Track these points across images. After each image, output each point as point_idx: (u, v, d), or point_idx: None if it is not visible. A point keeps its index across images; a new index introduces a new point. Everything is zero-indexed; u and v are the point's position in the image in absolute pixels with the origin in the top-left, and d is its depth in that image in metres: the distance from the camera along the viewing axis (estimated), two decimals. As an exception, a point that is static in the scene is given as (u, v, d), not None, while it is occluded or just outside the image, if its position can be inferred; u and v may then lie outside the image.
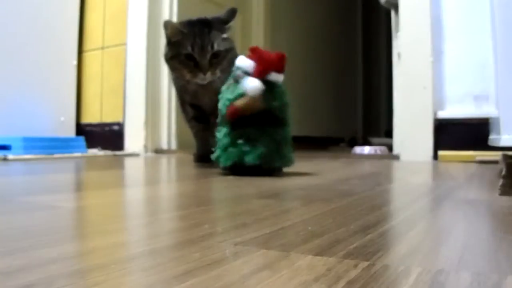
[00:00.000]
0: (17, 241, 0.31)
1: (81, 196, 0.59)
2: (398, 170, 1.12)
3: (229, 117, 0.85)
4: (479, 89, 1.45)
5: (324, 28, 3.37)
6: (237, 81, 0.87)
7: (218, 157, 0.88)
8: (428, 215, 0.45)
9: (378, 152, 1.77)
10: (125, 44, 2.04)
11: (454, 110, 1.49)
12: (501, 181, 0.59)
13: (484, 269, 0.25)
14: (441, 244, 0.31)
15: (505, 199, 0.54)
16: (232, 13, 1.10)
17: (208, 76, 1.04)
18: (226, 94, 0.88)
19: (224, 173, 0.89)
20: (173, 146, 2.02)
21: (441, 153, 1.46)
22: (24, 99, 1.90)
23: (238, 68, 0.88)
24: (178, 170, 1.07)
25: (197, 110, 1.19)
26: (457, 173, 0.96)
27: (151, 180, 0.86)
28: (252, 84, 0.84)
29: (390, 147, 1.77)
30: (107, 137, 2.08)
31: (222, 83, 0.97)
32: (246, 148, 0.84)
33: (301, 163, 1.23)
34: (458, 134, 1.45)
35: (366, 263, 0.26)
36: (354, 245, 0.30)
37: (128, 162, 1.39)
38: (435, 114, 1.49)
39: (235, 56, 0.95)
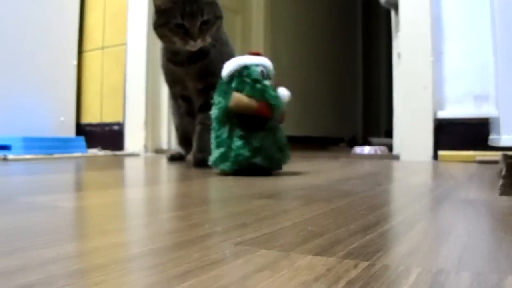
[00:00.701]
0: (17, 241, 0.31)
1: (81, 196, 0.59)
2: (398, 170, 1.12)
3: (262, 113, 0.86)
4: (479, 89, 1.45)
5: (324, 28, 3.37)
6: (268, 77, 0.89)
7: (219, 160, 0.87)
8: (428, 215, 0.45)
9: (378, 152, 1.77)
10: (125, 44, 2.04)
11: (454, 110, 1.49)
12: (501, 181, 0.59)
13: (484, 269, 0.25)
14: (441, 244, 0.31)
15: (505, 199, 0.54)
16: None
17: (199, 42, 1.07)
18: (270, 90, 0.87)
19: (223, 173, 0.89)
20: (173, 146, 2.02)
21: (441, 153, 1.46)
22: (24, 99, 1.90)
23: (265, 67, 0.89)
24: (178, 170, 1.07)
25: (189, 103, 1.21)
26: (457, 173, 0.96)
27: (151, 180, 0.86)
28: (286, 93, 0.90)
29: (390, 147, 1.77)
30: (107, 137, 2.08)
31: (207, 66, 1.05)
32: (251, 149, 0.84)
33: (301, 163, 1.23)
34: (458, 134, 1.45)
35: (366, 263, 0.26)
36: (354, 245, 0.30)
37: (128, 162, 1.39)
38: (435, 114, 1.49)
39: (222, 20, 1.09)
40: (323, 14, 3.36)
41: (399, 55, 1.64)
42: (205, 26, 1.07)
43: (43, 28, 1.96)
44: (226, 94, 0.87)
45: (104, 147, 2.03)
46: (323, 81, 3.31)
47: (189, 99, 1.21)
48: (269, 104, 0.85)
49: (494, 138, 1.02)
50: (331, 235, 0.33)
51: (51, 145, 1.58)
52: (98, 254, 0.28)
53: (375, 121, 3.89)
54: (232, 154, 0.85)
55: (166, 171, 1.07)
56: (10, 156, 1.36)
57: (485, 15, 1.37)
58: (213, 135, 0.90)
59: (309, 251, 0.29)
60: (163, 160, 1.44)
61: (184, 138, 1.34)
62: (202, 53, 1.12)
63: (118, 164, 1.31)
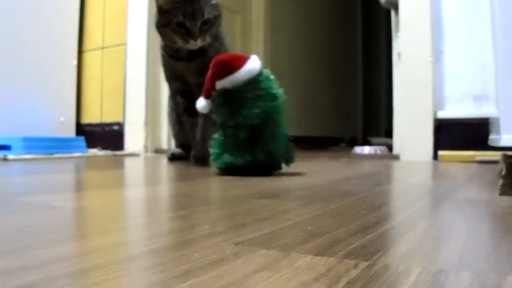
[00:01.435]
0: (17, 241, 0.31)
1: (81, 196, 0.59)
2: (398, 170, 1.12)
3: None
4: (479, 89, 1.45)
5: (324, 28, 3.37)
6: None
7: (220, 157, 0.87)
8: (428, 215, 0.45)
9: (378, 152, 1.77)
10: (125, 44, 2.04)
11: (454, 110, 1.49)
12: (501, 181, 0.59)
13: (484, 269, 0.25)
14: (441, 244, 0.31)
15: (505, 199, 0.54)
16: None
17: (199, 42, 1.10)
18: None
19: (223, 173, 0.89)
20: (173, 146, 2.02)
21: (441, 153, 1.46)
22: (24, 99, 1.90)
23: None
24: (178, 170, 1.07)
25: (188, 100, 1.22)
26: (457, 173, 0.96)
27: (151, 180, 0.86)
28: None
29: (390, 147, 1.77)
30: (107, 137, 2.08)
31: (205, 60, 1.06)
32: (258, 148, 0.85)
33: (301, 163, 1.23)
34: (458, 134, 1.45)
35: (366, 263, 0.26)
36: (354, 245, 0.30)
37: (128, 162, 1.39)
38: (435, 114, 1.49)
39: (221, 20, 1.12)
40: (323, 14, 3.36)
41: (399, 55, 1.64)
42: (206, 26, 1.10)
43: (43, 28, 1.96)
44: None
45: (104, 147, 2.03)
46: (323, 81, 3.31)
47: (189, 95, 1.22)
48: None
49: (494, 138, 1.02)
50: (331, 235, 0.33)
51: (51, 145, 1.58)
52: (98, 254, 0.28)
53: (375, 121, 3.89)
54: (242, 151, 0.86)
55: (166, 171, 1.07)
56: (10, 156, 1.36)
57: (485, 15, 1.37)
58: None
59: (309, 251, 0.29)
60: (163, 160, 1.44)
61: (182, 139, 1.34)
62: (201, 50, 1.14)
63: (118, 164, 1.31)
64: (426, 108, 1.49)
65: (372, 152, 1.78)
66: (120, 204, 0.53)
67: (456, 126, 1.46)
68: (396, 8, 1.66)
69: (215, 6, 1.12)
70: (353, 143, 2.94)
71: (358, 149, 1.85)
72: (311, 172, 0.97)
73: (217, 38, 1.18)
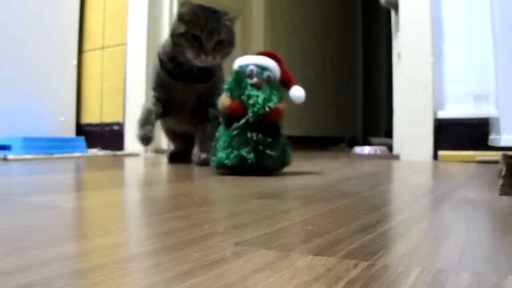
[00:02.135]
0: (17, 241, 0.31)
1: (81, 196, 0.59)
2: (398, 170, 1.12)
3: (274, 119, 0.86)
4: (479, 89, 1.45)
5: (324, 28, 3.37)
6: (269, 82, 0.88)
7: (224, 157, 0.87)
8: (428, 215, 0.45)
9: (378, 152, 1.77)
10: (125, 44, 2.04)
11: (454, 110, 1.49)
12: (501, 181, 0.59)
13: (484, 269, 0.25)
14: (441, 244, 0.31)
15: (505, 199, 0.54)
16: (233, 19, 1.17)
17: (209, 59, 1.10)
18: (266, 95, 0.86)
19: (223, 173, 0.89)
20: (173, 146, 2.02)
21: (441, 153, 1.46)
22: (24, 99, 1.90)
23: (270, 70, 0.89)
24: (178, 170, 1.07)
25: (164, 109, 1.21)
26: (457, 173, 0.96)
27: (151, 180, 0.86)
28: (301, 94, 0.91)
29: (390, 147, 1.77)
30: (107, 137, 2.08)
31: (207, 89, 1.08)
32: (266, 149, 0.85)
33: (301, 163, 1.23)
34: (458, 134, 1.45)
35: (366, 263, 0.26)
36: (354, 245, 0.30)
37: (128, 162, 1.39)
38: (435, 114, 1.49)
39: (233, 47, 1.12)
40: (323, 14, 3.36)
41: (399, 55, 1.64)
42: (219, 46, 1.11)
43: (43, 28, 1.96)
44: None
45: (104, 147, 2.03)
46: (323, 81, 3.31)
47: (166, 107, 1.20)
48: (243, 102, 0.85)
49: (494, 138, 1.02)
50: (331, 235, 0.33)
51: (51, 145, 1.58)
52: (98, 254, 0.28)
53: (375, 121, 3.89)
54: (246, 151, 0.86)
55: (166, 171, 1.07)
56: (10, 156, 1.36)
57: (485, 15, 1.37)
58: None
59: (309, 251, 0.29)
60: (163, 160, 1.44)
61: (179, 145, 1.36)
62: (203, 75, 1.15)
63: (118, 164, 1.31)
64: (426, 108, 1.49)
65: (372, 152, 1.78)
66: (120, 204, 0.53)
67: (456, 126, 1.46)
68: (396, 8, 1.66)
69: (232, 33, 1.14)
70: (353, 143, 2.94)
71: (358, 149, 1.85)
72: (311, 172, 0.97)
73: (220, 69, 1.19)
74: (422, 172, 1.04)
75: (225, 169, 0.88)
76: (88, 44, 2.17)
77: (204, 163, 1.12)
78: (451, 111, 1.49)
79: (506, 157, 0.81)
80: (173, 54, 1.15)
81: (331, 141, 3.04)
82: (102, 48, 2.13)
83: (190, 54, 1.10)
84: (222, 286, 0.22)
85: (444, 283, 0.23)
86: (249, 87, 0.86)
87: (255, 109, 0.83)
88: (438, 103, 1.50)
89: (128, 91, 2.02)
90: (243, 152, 0.84)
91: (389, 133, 2.09)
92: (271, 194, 0.59)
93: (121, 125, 2.05)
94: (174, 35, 1.12)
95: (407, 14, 1.56)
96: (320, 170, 1.02)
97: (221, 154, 0.86)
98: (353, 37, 3.93)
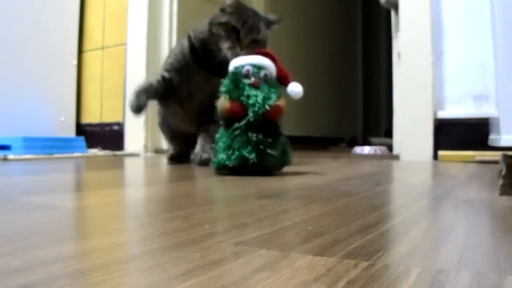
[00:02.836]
0: (17, 241, 0.31)
1: (81, 196, 0.59)
2: (398, 170, 1.12)
3: (274, 117, 0.86)
4: (479, 89, 1.45)
5: (324, 28, 3.37)
6: (266, 80, 0.88)
7: (226, 158, 0.87)
8: (428, 215, 0.45)
9: (378, 152, 1.77)
10: (125, 44, 2.04)
11: (454, 110, 1.49)
12: (501, 181, 0.59)
13: (484, 269, 0.25)
14: (441, 244, 0.31)
15: (505, 199, 0.54)
16: (279, 20, 1.19)
17: (242, 54, 1.09)
18: (264, 94, 0.86)
19: (223, 173, 0.89)
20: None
21: (441, 153, 1.46)
22: (24, 99, 1.90)
23: (266, 68, 0.89)
24: (178, 170, 1.07)
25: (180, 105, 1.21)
26: (457, 173, 0.96)
27: (151, 180, 0.86)
28: (299, 89, 0.91)
29: (390, 147, 1.77)
30: (107, 137, 2.08)
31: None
32: (267, 149, 0.85)
33: (301, 163, 1.23)
34: (458, 134, 1.45)
35: (366, 263, 0.26)
36: (354, 245, 0.30)
37: (128, 162, 1.39)
38: (435, 114, 1.49)
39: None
40: (323, 14, 3.36)
41: (399, 55, 1.64)
42: (253, 45, 1.10)
43: (43, 28, 1.96)
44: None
45: (104, 147, 2.03)
46: (323, 81, 3.31)
47: (173, 91, 1.20)
48: (242, 103, 0.85)
49: (494, 138, 1.02)
50: (331, 235, 0.33)
51: (51, 145, 1.58)
52: (98, 254, 0.28)
53: (375, 121, 3.89)
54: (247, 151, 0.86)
55: (166, 171, 1.07)
56: (10, 156, 1.36)
57: (485, 15, 1.37)
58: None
59: (309, 251, 0.29)
60: (163, 160, 1.44)
61: (180, 148, 1.35)
62: (227, 72, 1.15)
63: (118, 164, 1.31)
64: (426, 108, 1.49)
65: (372, 152, 1.78)
66: (120, 204, 0.53)
67: (456, 126, 1.46)
68: (396, 8, 1.66)
69: (267, 38, 1.14)
70: (353, 143, 2.94)
71: (358, 149, 1.85)
72: (311, 172, 0.97)
73: None
74: (422, 172, 1.04)
75: (225, 170, 0.88)
76: (88, 44, 2.17)
77: (205, 163, 1.12)
78: (451, 111, 1.49)
79: (506, 157, 0.81)
80: (206, 41, 1.15)
81: (331, 141, 3.04)
82: (102, 48, 2.13)
83: (224, 45, 1.10)
84: (222, 286, 0.22)
85: (444, 283, 0.23)
86: (247, 88, 0.86)
87: (256, 109, 0.83)
88: (438, 103, 1.50)
89: (128, 91, 2.02)
90: (245, 152, 0.84)
91: (389, 133, 2.09)
92: (271, 194, 0.59)
93: (121, 125, 2.05)
94: (213, 23, 1.12)
95: (407, 14, 1.56)
96: (320, 170, 1.02)
97: (221, 156, 0.86)
98: (353, 37, 3.93)
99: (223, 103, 0.87)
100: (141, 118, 1.97)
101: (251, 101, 0.84)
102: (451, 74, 1.50)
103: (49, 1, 1.98)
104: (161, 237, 0.33)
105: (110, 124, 2.09)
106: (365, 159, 1.60)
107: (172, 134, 1.36)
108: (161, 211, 0.47)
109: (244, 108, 0.85)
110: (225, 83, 0.89)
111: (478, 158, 1.35)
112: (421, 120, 1.50)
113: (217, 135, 0.90)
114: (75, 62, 2.12)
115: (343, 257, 0.27)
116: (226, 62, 1.08)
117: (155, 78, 1.21)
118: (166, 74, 1.20)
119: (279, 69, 0.93)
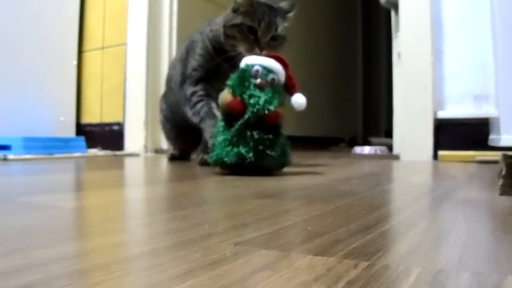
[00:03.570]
0: (17, 241, 0.31)
1: (81, 196, 0.59)
2: (398, 170, 1.12)
3: (270, 122, 0.86)
4: (479, 89, 1.45)
5: (324, 28, 3.37)
6: (272, 85, 0.88)
7: (224, 155, 0.87)
8: (428, 215, 0.45)
9: (378, 152, 1.77)
10: (125, 44, 2.04)
11: (454, 110, 1.49)
12: (501, 181, 0.59)
13: (484, 269, 0.25)
14: (441, 244, 0.31)
15: (505, 199, 0.54)
16: (292, 6, 1.15)
17: (263, 54, 1.04)
18: (267, 97, 0.85)
19: (223, 173, 0.89)
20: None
21: (441, 153, 1.46)
22: (24, 99, 1.90)
23: (275, 73, 0.89)
24: (178, 170, 1.07)
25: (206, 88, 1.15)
26: (457, 173, 0.96)
27: (151, 180, 0.86)
28: (303, 101, 0.92)
29: (390, 147, 1.77)
30: (107, 137, 2.08)
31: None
32: (266, 149, 0.85)
33: (301, 163, 1.23)
34: (458, 134, 1.45)
35: (366, 263, 0.26)
36: (354, 245, 0.30)
37: (128, 162, 1.39)
38: (435, 114, 1.49)
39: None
40: (323, 14, 3.36)
41: (399, 55, 1.64)
42: (273, 42, 1.05)
43: (43, 28, 1.96)
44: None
45: (104, 147, 2.03)
46: (323, 81, 3.31)
47: (207, 85, 1.15)
48: (243, 100, 0.85)
49: (494, 138, 1.02)
50: (331, 235, 0.33)
51: (51, 145, 1.58)
52: (98, 254, 0.28)
53: (375, 121, 3.89)
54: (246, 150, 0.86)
55: (166, 171, 1.07)
56: (10, 156, 1.36)
57: (485, 15, 1.37)
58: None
59: (309, 251, 0.29)
60: (163, 160, 1.44)
61: (182, 146, 1.34)
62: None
63: (118, 164, 1.31)
64: (426, 108, 1.49)
65: (372, 152, 1.78)
66: (120, 204, 0.53)
67: (456, 126, 1.46)
68: (396, 8, 1.66)
69: (285, 31, 1.09)
70: (353, 143, 2.94)
71: (358, 149, 1.85)
72: (311, 172, 0.97)
73: None
74: (422, 172, 1.04)
75: (224, 168, 0.88)
76: (88, 44, 2.17)
77: (206, 163, 1.11)
78: (451, 111, 1.49)
79: (506, 157, 0.81)
80: (223, 47, 1.08)
81: (331, 141, 3.04)
82: (102, 48, 2.13)
83: (242, 48, 1.04)
84: (222, 286, 0.22)
85: (444, 283, 0.23)
86: (252, 87, 0.86)
87: (254, 110, 0.83)
88: (438, 103, 1.50)
89: (128, 91, 2.02)
90: (243, 150, 0.84)
91: (389, 133, 2.09)
92: (271, 194, 0.59)
93: (121, 125, 2.05)
94: (227, 26, 1.05)
95: (407, 14, 1.56)
96: (320, 170, 1.02)
97: (219, 151, 0.86)
98: (353, 37, 3.93)
99: (225, 95, 0.87)
100: (141, 118, 1.97)
101: (252, 101, 0.84)
102: (451, 74, 1.50)
103: (49, 1, 1.98)
104: (161, 237, 0.33)
105: (110, 124, 2.09)
106: (365, 159, 1.60)
107: (174, 133, 1.35)
108: (161, 211, 0.47)
109: (244, 106, 0.85)
110: (232, 77, 0.89)
111: (478, 158, 1.35)
112: (421, 120, 1.50)
113: (216, 129, 0.90)
114: (75, 62, 2.12)
115: (343, 257, 0.27)
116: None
117: (196, 99, 1.14)
118: (198, 74, 1.14)
119: (288, 77, 0.93)
